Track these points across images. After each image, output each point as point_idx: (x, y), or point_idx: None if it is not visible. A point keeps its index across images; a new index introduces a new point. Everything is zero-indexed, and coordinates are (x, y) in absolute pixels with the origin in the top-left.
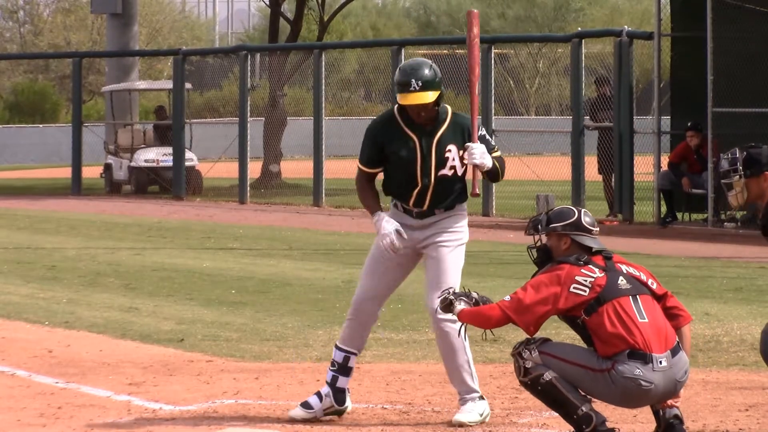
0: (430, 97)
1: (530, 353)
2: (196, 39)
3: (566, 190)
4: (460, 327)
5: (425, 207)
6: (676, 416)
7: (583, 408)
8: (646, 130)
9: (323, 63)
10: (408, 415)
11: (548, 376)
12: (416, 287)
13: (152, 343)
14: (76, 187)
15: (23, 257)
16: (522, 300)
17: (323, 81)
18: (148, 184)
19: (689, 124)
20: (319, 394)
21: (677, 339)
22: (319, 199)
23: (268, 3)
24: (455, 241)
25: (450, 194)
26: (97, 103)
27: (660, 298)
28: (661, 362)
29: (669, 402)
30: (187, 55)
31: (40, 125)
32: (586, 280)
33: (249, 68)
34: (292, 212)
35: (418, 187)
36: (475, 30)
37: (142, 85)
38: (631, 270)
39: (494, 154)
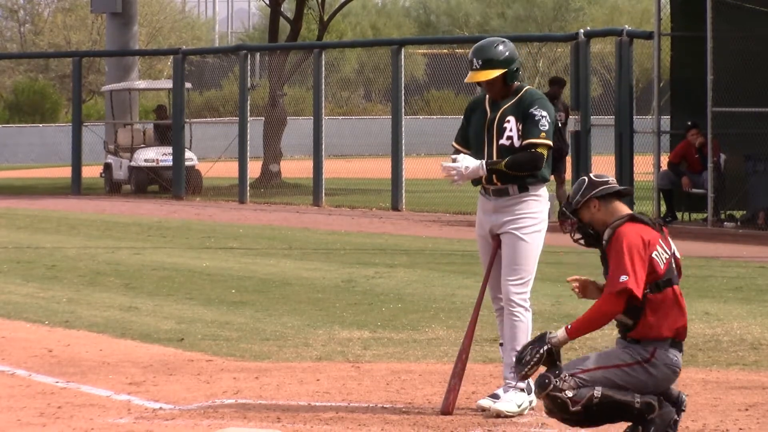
0: (489, 75)
1: (564, 383)
2: (196, 39)
3: (567, 189)
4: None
5: (495, 181)
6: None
7: (638, 399)
8: (645, 130)
9: (323, 63)
10: (408, 415)
11: (598, 392)
12: (416, 287)
13: (152, 342)
14: (76, 187)
15: (23, 257)
16: (637, 272)
17: (323, 81)
18: (148, 183)
19: (689, 123)
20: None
21: None
22: (319, 199)
23: (268, 2)
24: (529, 227)
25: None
26: (97, 102)
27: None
28: (682, 349)
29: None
30: (187, 55)
31: (40, 125)
32: (664, 252)
33: (249, 68)
34: (292, 212)
35: (485, 159)
36: None
37: (142, 84)
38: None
39: (526, 141)
